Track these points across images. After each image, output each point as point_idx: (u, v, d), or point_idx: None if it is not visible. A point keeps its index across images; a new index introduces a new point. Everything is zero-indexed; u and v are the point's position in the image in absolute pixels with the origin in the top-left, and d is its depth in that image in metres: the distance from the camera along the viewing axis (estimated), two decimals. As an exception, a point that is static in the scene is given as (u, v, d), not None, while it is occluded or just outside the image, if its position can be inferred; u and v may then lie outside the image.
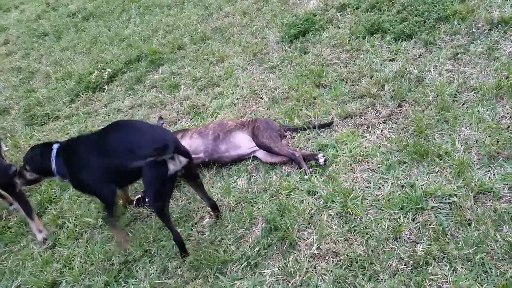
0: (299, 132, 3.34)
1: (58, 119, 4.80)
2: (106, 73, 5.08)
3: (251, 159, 3.27)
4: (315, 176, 2.91)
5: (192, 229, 2.90)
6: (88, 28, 6.90)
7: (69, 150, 2.82)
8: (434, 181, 2.59)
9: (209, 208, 2.89)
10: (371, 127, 3.17)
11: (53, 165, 2.83)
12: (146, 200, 3.18)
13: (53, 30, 7.30)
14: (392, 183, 2.68)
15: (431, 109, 3.09)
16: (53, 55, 6.44)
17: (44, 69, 6.02)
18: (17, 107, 5.31)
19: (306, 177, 2.90)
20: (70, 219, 3.31)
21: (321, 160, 2.96)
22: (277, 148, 3.07)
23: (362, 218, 2.52)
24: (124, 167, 2.44)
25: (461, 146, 2.75)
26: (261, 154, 3.22)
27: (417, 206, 2.46)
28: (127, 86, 4.88)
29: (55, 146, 2.88)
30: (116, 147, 2.54)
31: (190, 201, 3.12)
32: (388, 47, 3.86)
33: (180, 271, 2.63)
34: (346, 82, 3.68)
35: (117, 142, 2.55)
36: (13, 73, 6.29)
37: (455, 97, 3.13)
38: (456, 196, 2.43)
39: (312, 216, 2.65)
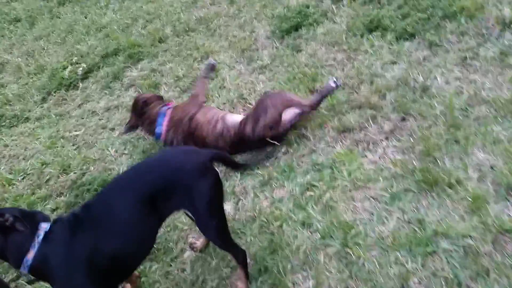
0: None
1: (28, 120, 4.40)
2: (81, 68, 4.66)
3: (238, 179, 2.94)
4: (311, 205, 2.59)
5: (171, 265, 2.59)
6: (64, 15, 6.39)
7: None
8: (445, 217, 2.29)
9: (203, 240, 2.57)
10: (372, 144, 2.85)
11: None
12: None
13: (26, 16, 6.76)
14: (397, 217, 2.38)
15: (439, 125, 2.76)
16: (25, 45, 5.95)
17: (15, 61, 5.55)
18: (-16, 105, 4.88)
19: None
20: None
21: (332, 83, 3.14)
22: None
23: (365, 261, 2.22)
24: None
25: (475, 173, 2.44)
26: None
27: (427, 249, 2.16)
28: (103, 84, 4.47)
29: (43, 227, 1.92)
30: None
31: (169, 229, 2.79)
32: (389, 48, 3.50)
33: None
34: (343, 88, 3.33)
35: None
36: (-19, 65, 5.80)
37: (465, 111, 2.81)
38: (472, 238, 2.14)
39: (307, 256, 2.35)
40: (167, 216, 2.14)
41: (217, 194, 2.18)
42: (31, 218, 1.90)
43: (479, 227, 2.17)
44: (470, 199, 2.32)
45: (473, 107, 2.81)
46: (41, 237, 1.85)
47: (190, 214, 2.21)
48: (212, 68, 3.83)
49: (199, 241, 2.62)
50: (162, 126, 3.19)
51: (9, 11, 7.21)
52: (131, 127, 3.44)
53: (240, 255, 2.27)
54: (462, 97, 2.88)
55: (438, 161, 2.56)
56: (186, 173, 2.09)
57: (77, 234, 1.88)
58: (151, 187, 2.02)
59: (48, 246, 1.85)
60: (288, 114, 3.02)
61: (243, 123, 3.02)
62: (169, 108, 3.32)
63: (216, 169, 2.26)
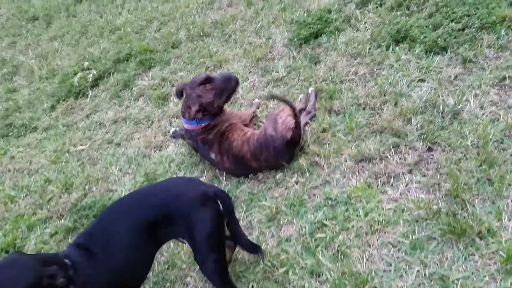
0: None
1: (36, 130, 4.27)
2: (91, 75, 4.48)
3: (244, 210, 2.70)
4: (321, 249, 2.33)
5: (168, 309, 2.38)
6: (80, 14, 6.24)
7: None
8: (472, 274, 1.99)
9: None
10: (393, 178, 2.54)
11: None
12: None
13: (44, 14, 6.66)
14: (417, 271, 2.09)
15: (470, 159, 2.43)
16: (40, 45, 5.85)
17: (28, 63, 5.44)
18: (-5, 110, 4.79)
19: None
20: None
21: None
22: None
23: (379, 326, 1.95)
24: None
25: (510, 221, 2.12)
26: None
27: (450, 317, 1.88)
28: (112, 92, 4.28)
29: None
30: None
31: (167, 266, 2.58)
32: (417, 62, 3.15)
33: None
34: (364, 109, 3.02)
35: None
36: (-3, 66, 5.74)
37: (501, 143, 2.47)
38: (504, 307, 1.84)
39: (314, 313, 2.10)
40: (164, 243, 2.19)
41: (218, 227, 2.07)
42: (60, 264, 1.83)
43: (514, 292, 1.87)
44: (503, 254, 2.00)
45: (511, 139, 2.46)
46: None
47: (187, 244, 2.10)
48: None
49: None
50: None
51: (28, 8, 7.13)
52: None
53: None
54: (498, 126, 2.54)
55: (467, 204, 2.25)
56: (187, 201, 2.03)
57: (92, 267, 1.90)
58: (151, 213, 2.00)
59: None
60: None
61: (264, 127, 2.88)
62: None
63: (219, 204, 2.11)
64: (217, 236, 2.07)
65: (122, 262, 1.94)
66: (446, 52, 3.11)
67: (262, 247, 2.44)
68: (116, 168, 3.41)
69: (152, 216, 1.99)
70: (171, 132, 3.49)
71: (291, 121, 2.77)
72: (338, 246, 2.30)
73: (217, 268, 2.08)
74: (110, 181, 3.32)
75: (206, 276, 2.20)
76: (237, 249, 2.47)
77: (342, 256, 2.27)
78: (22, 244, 3.09)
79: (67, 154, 3.77)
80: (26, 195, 3.51)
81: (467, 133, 2.57)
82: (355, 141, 2.82)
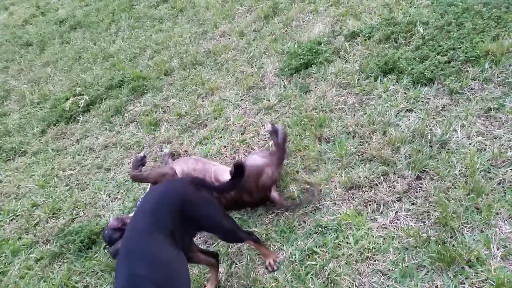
0: None
1: (25, 154, 4.24)
2: (83, 101, 4.50)
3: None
4: (311, 277, 2.31)
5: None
6: (74, 41, 6.30)
7: None
8: (463, 303, 1.99)
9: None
10: (383, 206, 2.56)
11: None
12: None
13: (38, 40, 6.71)
14: (408, 299, 2.08)
15: (458, 188, 2.47)
16: (32, 71, 5.87)
17: (20, 88, 5.44)
18: (-16, 134, 4.75)
19: None
20: (15, 304, 2.76)
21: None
22: None
23: None
24: None
25: (499, 249, 2.14)
26: None
27: None
28: (104, 118, 4.29)
29: None
30: None
31: None
32: (405, 93, 3.22)
33: None
34: (353, 137, 3.06)
35: None
36: (-12, 90, 5.73)
37: (488, 172, 2.51)
38: (495, 337, 1.83)
39: None
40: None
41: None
42: None
43: (504, 322, 1.86)
44: (492, 282, 2.01)
45: (498, 168, 2.51)
46: None
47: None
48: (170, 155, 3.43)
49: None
50: None
51: (22, 34, 7.19)
52: None
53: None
54: (485, 156, 2.59)
55: (456, 232, 2.27)
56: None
57: None
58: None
59: None
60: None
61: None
62: None
63: None
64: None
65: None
66: (433, 84, 3.19)
67: (251, 275, 2.42)
68: (104, 194, 3.38)
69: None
70: (164, 152, 3.46)
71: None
72: (329, 274, 2.29)
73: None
74: (98, 206, 3.29)
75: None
76: (224, 275, 2.44)
77: (332, 284, 2.25)
78: (5, 270, 3.02)
79: (55, 178, 3.74)
80: (12, 219, 3.46)
81: (455, 162, 2.61)
82: (345, 169, 2.85)
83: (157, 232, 1.88)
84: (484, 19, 3.43)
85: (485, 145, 2.65)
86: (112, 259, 2.72)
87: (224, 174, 2.71)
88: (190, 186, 2.15)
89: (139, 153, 2.89)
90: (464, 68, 3.22)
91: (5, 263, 3.08)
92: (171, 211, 1.97)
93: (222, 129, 3.59)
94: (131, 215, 2.88)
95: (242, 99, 3.88)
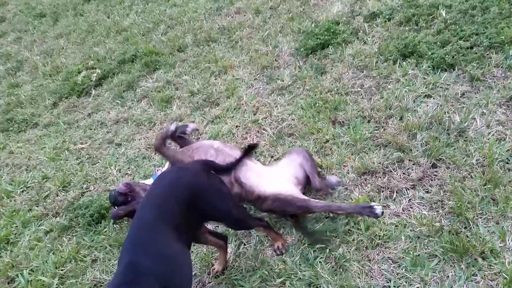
0: None
1: (37, 126, 4.24)
2: (95, 74, 4.47)
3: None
4: (320, 261, 2.29)
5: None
6: (87, 13, 6.25)
7: None
8: (474, 295, 1.95)
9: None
10: (396, 193, 2.51)
11: None
12: None
13: (51, 11, 6.67)
14: (417, 288, 2.05)
15: (475, 178, 2.40)
16: (45, 42, 5.84)
17: (33, 60, 5.42)
18: (-4, 104, 4.77)
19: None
20: (24, 271, 2.78)
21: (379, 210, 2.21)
22: None
23: None
24: None
25: (514, 243, 2.09)
26: None
27: (451, 338, 1.83)
28: (116, 93, 4.26)
29: None
30: None
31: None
32: (424, 78, 3.13)
33: None
34: (369, 122, 3.00)
35: None
36: (1, 60, 5.72)
37: (507, 163, 2.44)
38: (506, 331, 1.80)
39: (310, 327, 2.05)
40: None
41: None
42: None
43: (516, 316, 1.83)
44: (506, 276, 1.96)
45: (517, 159, 2.44)
46: None
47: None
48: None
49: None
50: None
51: (36, 5, 7.15)
52: None
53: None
54: (504, 146, 2.51)
55: (471, 223, 2.21)
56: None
57: None
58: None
59: None
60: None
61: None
62: None
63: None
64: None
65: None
66: (454, 69, 3.10)
67: (260, 256, 2.41)
68: (115, 169, 3.37)
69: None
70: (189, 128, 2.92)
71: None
72: (338, 259, 2.26)
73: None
74: (109, 181, 3.29)
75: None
76: (232, 256, 2.44)
77: (341, 270, 2.22)
78: (16, 240, 3.04)
79: (66, 151, 3.73)
80: (22, 191, 3.48)
81: (473, 151, 2.54)
82: (358, 154, 2.79)
83: (164, 225, 1.86)
84: (511, 4, 3.30)
85: (505, 134, 2.57)
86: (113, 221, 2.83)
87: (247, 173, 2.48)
88: (200, 174, 2.08)
89: (172, 123, 2.75)
90: (487, 54, 3.11)
91: (16, 234, 3.10)
92: (179, 202, 1.93)
93: (235, 109, 3.54)
94: (142, 181, 2.87)
95: (256, 78, 3.81)
